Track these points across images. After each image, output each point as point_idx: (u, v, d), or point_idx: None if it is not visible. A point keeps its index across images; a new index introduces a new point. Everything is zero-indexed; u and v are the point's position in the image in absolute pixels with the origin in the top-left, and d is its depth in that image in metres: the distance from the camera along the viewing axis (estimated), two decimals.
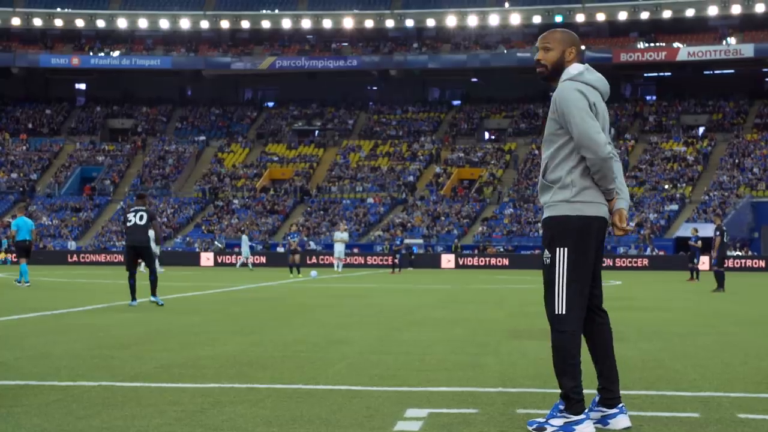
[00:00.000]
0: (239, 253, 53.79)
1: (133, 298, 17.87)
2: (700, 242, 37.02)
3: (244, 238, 51.53)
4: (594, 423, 5.91)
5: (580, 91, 5.81)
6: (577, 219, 5.79)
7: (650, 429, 5.93)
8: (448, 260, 60.69)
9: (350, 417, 6.24)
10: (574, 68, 5.93)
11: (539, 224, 68.08)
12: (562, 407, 5.80)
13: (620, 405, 5.95)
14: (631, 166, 75.13)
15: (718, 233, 28.36)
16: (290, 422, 6.03)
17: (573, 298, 5.77)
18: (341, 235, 46.57)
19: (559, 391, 5.87)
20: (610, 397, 5.96)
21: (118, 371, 8.43)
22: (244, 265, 51.67)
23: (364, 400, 6.92)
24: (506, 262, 60.03)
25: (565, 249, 5.79)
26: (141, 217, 18.08)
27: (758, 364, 9.35)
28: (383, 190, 75.78)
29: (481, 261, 60.80)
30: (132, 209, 18.40)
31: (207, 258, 62.70)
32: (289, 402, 6.80)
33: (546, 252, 5.87)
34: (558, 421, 5.76)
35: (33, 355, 9.66)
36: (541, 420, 5.87)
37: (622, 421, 5.91)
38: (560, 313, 5.79)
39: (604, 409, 5.96)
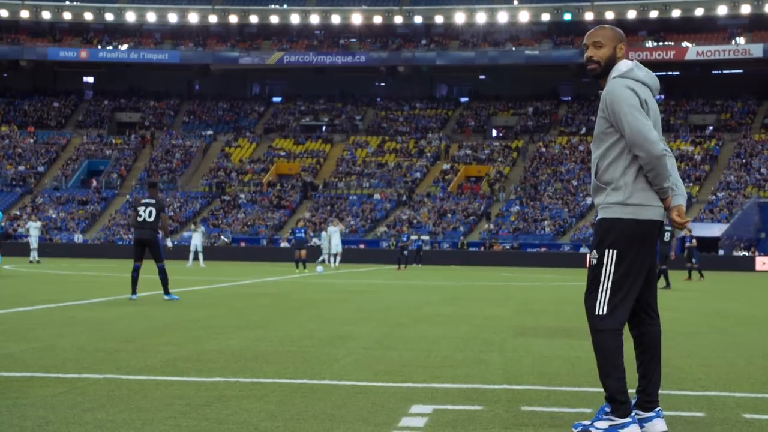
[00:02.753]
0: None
1: (134, 292, 17.87)
2: (695, 241, 37.21)
3: (332, 228, 47.30)
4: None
5: (630, 88, 5.68)
6: (630, 222, 5.67)
7: None
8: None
9: (355, 412, 6.24)
10: (624, 65, 5.81)
11: (545, 222, 68.19)
12: (608, 410, 5.66)
13: (657, 409, 5.79)
14: None
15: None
16: (295, 417, 6.04)
17: (616, 300, 5.66)
18: (334, 228, 46.33)
19: (604, 393, 5.73)
20: (648, 400, 5.79)
21: (124, 364, 8.44)
22: (334, 261, 46.92)
23: (369, 395, 6.92)
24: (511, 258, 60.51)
25: (615, 251, 5.67)
26: (150, 213, 18.00)
27: (764, 363, 9.34)
28: (390, 187, 75.78)
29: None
30: (142, 202, 18.26)
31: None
32: (293, 397, 6.80)
33: (594, 252, 5.75)
34: (603, 424, 5.64)
35: (39, 347, 9.68)
36: (587, 423, 5.76)
37: (659, 425, 5.75)
38: (600, 313, 5.67)
39: (640, 413, 5.80)
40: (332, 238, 45.80)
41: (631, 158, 5.69)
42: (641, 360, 5.86)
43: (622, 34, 5.93)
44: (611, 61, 5.84)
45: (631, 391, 5.74)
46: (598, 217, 5.81)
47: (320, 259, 46.93)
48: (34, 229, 45.58)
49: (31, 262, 44.35)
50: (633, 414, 5.65)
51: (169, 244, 18.50)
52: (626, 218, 5.67)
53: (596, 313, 5.68)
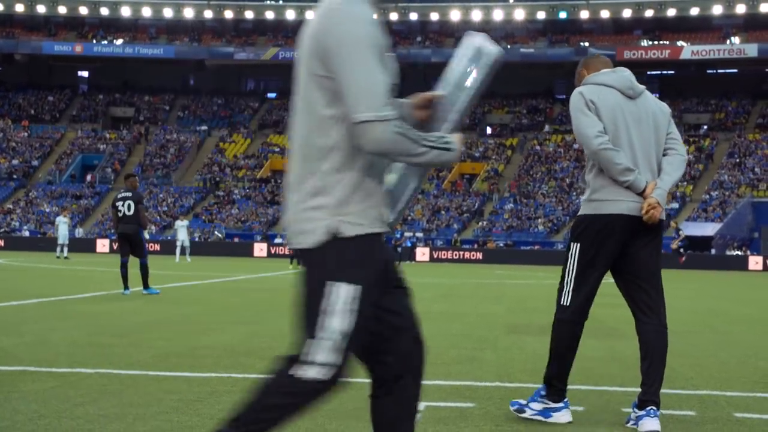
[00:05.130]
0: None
1: (126, 287, 17.84)
2: (681, 233, 37.41)
3: None
4: (633, 423, 5.89)
5: (578, 92, 5.95)
6: (591, 217, 5.91)
7: None
8: (422, 253, 61.10)
9: (348, 408, 6.24)
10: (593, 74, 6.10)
11: (539, 220, 68.28)
12: (543, 393, 5.99)
13: (648, 408, 5.81)
14: None
15: None
16: None
17: (576, 292, 5.96)
18: None
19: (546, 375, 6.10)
20: (643, 399, 5.88)
21: (116, 359, 8.44)
22: None
23: (362, 391, 6.91)
24: (479, 256, 60.86)
25: (578, 245, 5.97)
26: (129, 207, 17.89)
27: (755, 363, 9.35)
28: None
29: (455, 255, 61.46)
30: (120, 196, 18.10)
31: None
32: None
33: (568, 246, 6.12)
34: (537, 406, 5.98)
35: (31, 341, 9.67)
36: (523, 402, 6.09)
37: (647, 424, 5.77)
38: (563, 303, 6.02)
39: (636, 410, 5.91)
40: None
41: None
42: (641, 358, 6.05)
43: (583, 60, 6.29)
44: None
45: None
46: None
47: None
48: (62, 225, 45.47)
49: (58, 257, 44.15)
50: (566, 399, 6.00)
51: (146, 235, 18.51)
52: (588, 214, 5.94)
53: (561, 302, 6.04)
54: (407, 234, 60.87)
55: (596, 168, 5.88)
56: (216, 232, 68.36)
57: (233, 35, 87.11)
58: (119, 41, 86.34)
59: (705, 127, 79.90)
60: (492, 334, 11.60)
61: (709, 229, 63.47)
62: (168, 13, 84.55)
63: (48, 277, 25.62)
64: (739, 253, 61.46)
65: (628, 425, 5.96)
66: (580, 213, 6.01)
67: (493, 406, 6.49)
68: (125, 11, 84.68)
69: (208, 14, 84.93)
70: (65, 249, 45.06)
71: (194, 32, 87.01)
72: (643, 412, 5.82)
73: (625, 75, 6.04)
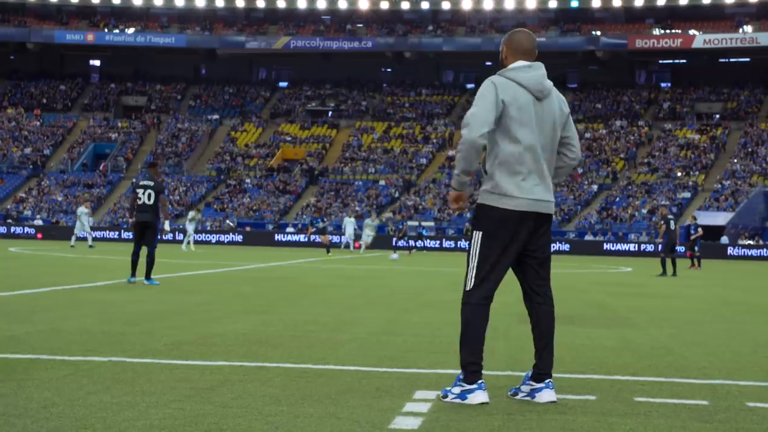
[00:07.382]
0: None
1: (132, 275, 17.75)
2: (700, 230, 37.18)
3: (348, 219, 50.55)
4: (524, 396, 6.31)
5: (493, 82, 6.17)
6: (495, 209, 6.13)
7: (659, 416, 5.94)
8: (433, 242, 61.09)
9: (359, 397, 6.25)
10: (512, 65, 6.28)
11: None
12: (461, 377, 6.18)
13: (547, 380, 6.28)
14: (645, 153, 75.07)
15: (663, 222, 28.97)
16: (299, 401, 6.05)
17: (480, 278, 6.18)
18: (371, 222, 47.48)
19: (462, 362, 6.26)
20: (538, 373, 6.31)
21: (129, 347, 8.46)
22: (347, 246, 49.97)
23: (373, 380, 6.93)
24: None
25: (480, 234, 6.19)
26: (149, 196, 17.76)
27: None
28: (395, 172, 75.76)
29: (466, 244, 61.35)
30: (142, 184, 17.97)
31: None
32: (298, 381, 6.82)
33: (469, 234, 6.19)
34: (456, 389, 6.17)
35: (44, 329, 9.70)
36: (448, 388, 6.27)
37: (546, 395, 6.23)
38: (468, 289, 6.23)
39: (532, 383, 6.32)
40: (347, 228, 46.51)
41: (498, 151, 6.14)
42: (533, 335, 6.50)
43: (510, 37, 6.41)
44: (502, 64, 6.40)
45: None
46: (477, 202, 6.34)
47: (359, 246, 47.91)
48: (84, 216, 45.58)
49: (90, 246, 44.17)
50: (480, 381, 6.15)
51: (167, 227, 18.45)
52: (492, 205, 6.17)
53: (465, 288, 6.25)
54: (414, 223, 60.85)
55: (499, 160, 6.10)
56: (228, 221, 68.48)
57: (245, 24, 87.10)
58: (131, 30, 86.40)
59: (717, 116, 79.68)
60: (503, 324, 11.59)
61: (721, 218, 63.34)
62: (179, 2, 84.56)
63: (60, 265, 25.69)
64: (751, 242, 61.33)
65: (517, 397, 6.34)
66: (483, 202, 6.18)
67: (504, 395, 6.50)
68: (137, 0, 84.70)
69: (220, 3, 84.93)
70: (89, 238, 45.12)
71: (206, 21, 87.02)
72: (541, 385, 6.27)
73: (539, 75, 6.21)
